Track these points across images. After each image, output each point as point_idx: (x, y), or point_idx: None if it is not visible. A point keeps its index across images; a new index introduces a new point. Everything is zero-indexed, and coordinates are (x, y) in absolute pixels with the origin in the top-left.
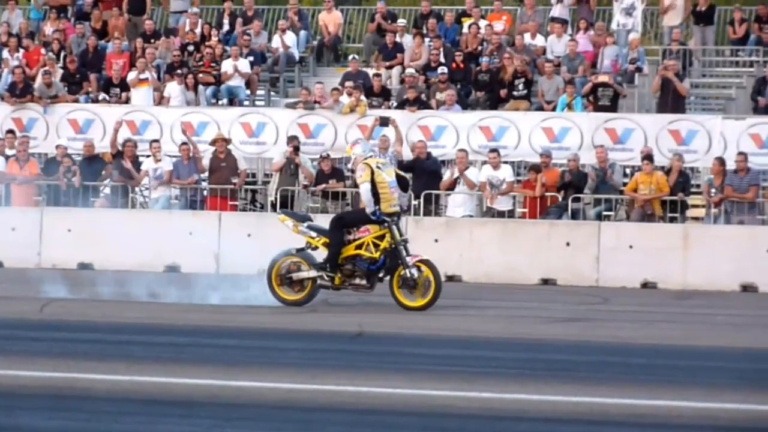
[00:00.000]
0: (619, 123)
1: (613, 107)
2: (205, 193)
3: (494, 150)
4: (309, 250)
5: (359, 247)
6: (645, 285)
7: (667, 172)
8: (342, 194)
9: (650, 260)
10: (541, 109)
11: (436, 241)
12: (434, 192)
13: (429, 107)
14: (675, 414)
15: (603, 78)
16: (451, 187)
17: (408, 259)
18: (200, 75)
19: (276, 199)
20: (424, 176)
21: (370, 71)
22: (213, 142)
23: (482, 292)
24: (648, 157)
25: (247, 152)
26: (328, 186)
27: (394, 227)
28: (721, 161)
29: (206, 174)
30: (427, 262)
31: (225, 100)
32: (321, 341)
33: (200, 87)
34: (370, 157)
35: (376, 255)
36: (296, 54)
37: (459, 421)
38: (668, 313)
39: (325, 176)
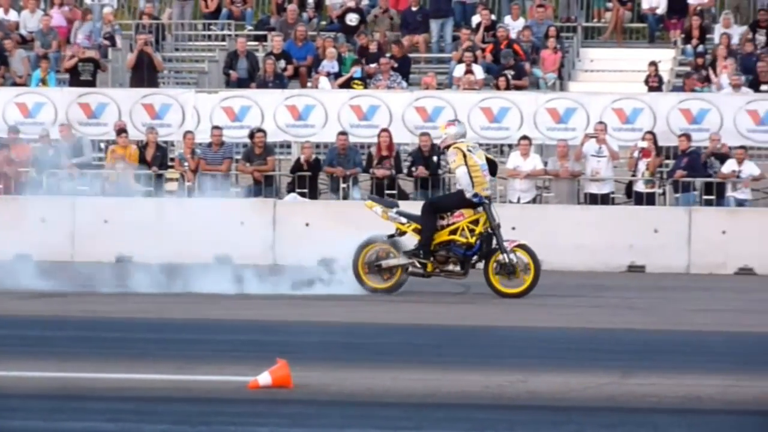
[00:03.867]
0: (93, 98)
1: (94, 82)
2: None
3: None
4: (398, 237)
5: (453, 232)
6: None
7: (145, 146)
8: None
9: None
10: (15, 84)
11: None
12: None
13: None
14: None
15: (90, 53)
16: None
17: (505, 243)
18: None
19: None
20: None
21: None
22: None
23: None
24: (122, 130)
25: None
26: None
27: (490, 210)
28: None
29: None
30: (525, 247)
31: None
32: None
33: None
34: (462, 141)
35: (472, 240)
36: None
37: None
38: None
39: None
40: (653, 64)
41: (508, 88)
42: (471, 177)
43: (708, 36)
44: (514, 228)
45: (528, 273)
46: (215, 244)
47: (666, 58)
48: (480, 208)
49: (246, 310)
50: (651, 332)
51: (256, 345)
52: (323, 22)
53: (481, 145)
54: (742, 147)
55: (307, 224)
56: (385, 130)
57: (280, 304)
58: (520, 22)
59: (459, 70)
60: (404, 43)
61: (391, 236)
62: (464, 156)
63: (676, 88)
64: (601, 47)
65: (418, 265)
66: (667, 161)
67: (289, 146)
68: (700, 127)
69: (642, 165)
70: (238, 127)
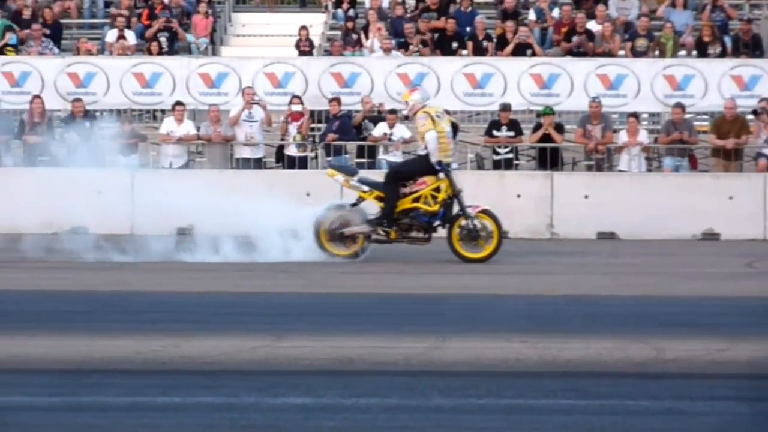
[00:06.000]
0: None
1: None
2: None
3: None
4: (360, 204)
5: (416, 200)
6: None
7: None
8: None
9: None
10: None
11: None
12: None
13: None
14: None
15: None
16: None
17: (468, 209)
18: None
19: None
20: None
21: None
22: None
23: None
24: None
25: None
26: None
27: (452, 176)
28: None
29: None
30: (488, 212)
31: None
32: None
33: None
34: (429, 105)
35: (436, 208)
36: None
37: None
38: None
39: None
40: (304, 28)
41: (160, 53)
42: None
43: (359, 0)
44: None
45: (491, 238)
46: None
47: (317, 22)
48: (442, 175)
49: None
50: (302, 295)
51: None
52: None
53: (141, 112)
54: (392, 111)
55: None
56: (37, 96)
57: None
58: None
59: (111, 36)
60: (55, 9)
61: (354, 204)
62: (433, 121)
63: (327, 53)
64: (253, 12)
65: (382, 232)
66: (319, 125)
67: None
68: (352, 90)
69: (293, 129)
70: None
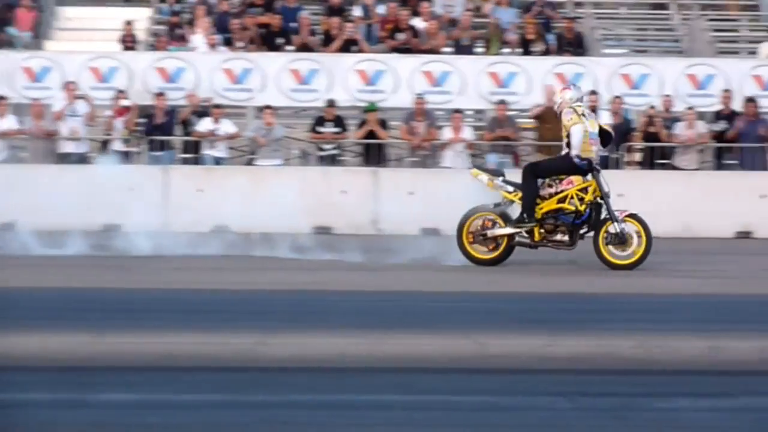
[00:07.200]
0: None
1: None
2: None
3: None
4: (505, 206)
5: (562, 200)
6: None
7: None
8: None
9: None
10: None
11: None
12: None
13: None
14: None
15: None
16: None
17: (616, 213)
18: None
19: None
20: None
21: None
22: None
23: None
24: None
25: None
26: None
27: (600, 178)
28: None
29: None
30: (636, 216)
31: None
32: None
33: None
34: (578, 104)
35: (582, 208)
36: None
37: None
38: None
39: None
40: (129, 23)
41: None
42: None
43: None
44: None
45: (639, 244)
46: None
47: (142, 17)
48: (589, 176)
49: None
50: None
51: None
52: None
53: None
54: (217, 106)
55: None
56: None
57: None
58: None
59: None
60: None
61: (497, 205)
62: (578, 117)
63: (152, 47)
64: (78, 5)
65: (525, 234)
66: (144, 120)
67: None
68: (177, 85)
69: (119, 124)
70: None
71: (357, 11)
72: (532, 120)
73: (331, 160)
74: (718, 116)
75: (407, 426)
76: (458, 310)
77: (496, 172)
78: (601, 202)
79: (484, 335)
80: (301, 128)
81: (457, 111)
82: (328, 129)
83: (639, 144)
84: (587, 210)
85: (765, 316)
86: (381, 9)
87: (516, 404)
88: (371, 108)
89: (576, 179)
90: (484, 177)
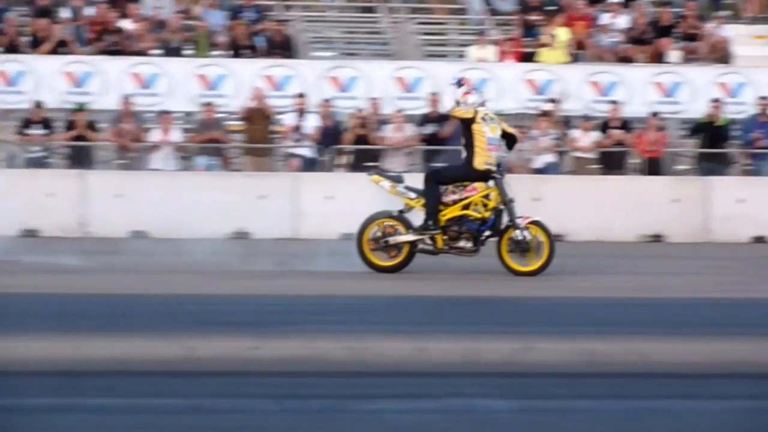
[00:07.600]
0: None
1: None
2: None
3: None
4: (406, 213)
5: (466, 207)
6: None
7: None
8: None
9: None
10: None
11: None
12: None
13: None
14: None
15: None
16: None
17: (518, 220)
18: None
19: None
20: None
21: None
22: None
23: None
24: None
25: None
26: None
27: (503, 184)
28: None
29: None
30: (538, 223)
31: None
32: None
33: None
34: (481, 108)
35: (487, 214)
36: None
37: None
38: None
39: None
40: None
41: None
42: (474, 145)
43: None
44: None
45: (542, 251)
46: None
47: None
48: (491, 182)
49: None
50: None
51: None
52: None
53: None
54: None
55: None
56: None
57: None
58: None
59: None
60: None
61: (400, 212)
62: (473, 118)
63: None
64: None
65: (428, 241)
66: None
67: None
68: None
69: None
70: None
71: (65, 13)
72: (240, 122)
73: (39, 163)
74: (426, 119)
75: (108, 429)
76: (164, 313)
77: (397, 179)
78: (503, 208)
79: (192, 338)
80: (7, 130)
81: (166, 113)
82: (36, 131)
83: (349, 147)
84: (492, 216)
85: (471, 317)
86: (90, 11)
87: (222, 407)
88: (78, 109)
89: (479, 186)
90: (386, 183)
